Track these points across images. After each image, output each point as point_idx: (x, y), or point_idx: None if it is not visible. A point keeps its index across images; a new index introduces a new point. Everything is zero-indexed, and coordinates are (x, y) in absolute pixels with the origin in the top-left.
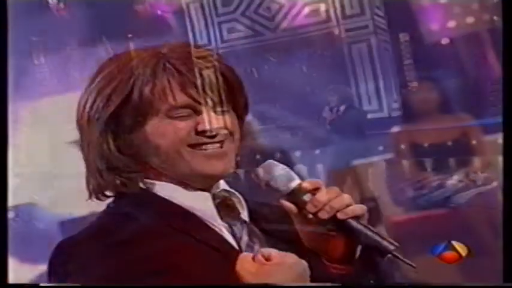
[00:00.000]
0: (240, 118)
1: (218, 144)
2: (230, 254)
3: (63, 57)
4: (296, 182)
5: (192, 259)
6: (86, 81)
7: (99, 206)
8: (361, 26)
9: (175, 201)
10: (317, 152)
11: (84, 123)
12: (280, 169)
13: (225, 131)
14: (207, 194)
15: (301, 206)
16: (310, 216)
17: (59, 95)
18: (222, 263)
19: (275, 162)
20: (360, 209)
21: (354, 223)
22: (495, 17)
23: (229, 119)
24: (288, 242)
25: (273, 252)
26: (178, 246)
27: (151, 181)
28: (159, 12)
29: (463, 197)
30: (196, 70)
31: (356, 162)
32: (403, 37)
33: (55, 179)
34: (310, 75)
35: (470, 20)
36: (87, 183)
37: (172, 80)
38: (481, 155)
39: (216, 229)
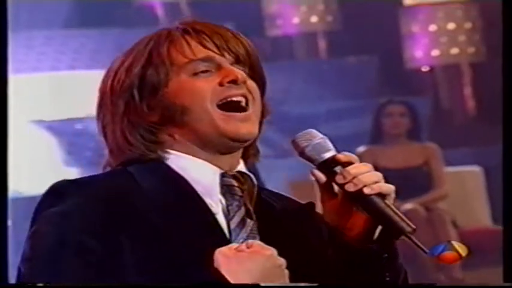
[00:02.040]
0: (260, 90)
1: (241, 97)
2: (214, 238)
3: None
4: (331, 152)
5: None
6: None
7: None
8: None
9: (182, 173)
10: (279, 161)
11: (107, 97)
12: (319, 138)
13: (248, 91)
14: (217, 171)
15: (330, 177)
16: (336, 188)
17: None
18: (204, 244)
19: (315, 131)
20: (386, 187)
21: (377, 199)
22: (479, 50)
23: (250, 82)
24: (276, 242)
25: (256, 242)
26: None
27: (169, 150)
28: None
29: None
30: (214, 30)
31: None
32: (383, 59)
33: None
34: (288, 86)
35: (454, 51)
36: (108, 157)
37: (190, 39)
38: (439, 186)
39: (209, 208)
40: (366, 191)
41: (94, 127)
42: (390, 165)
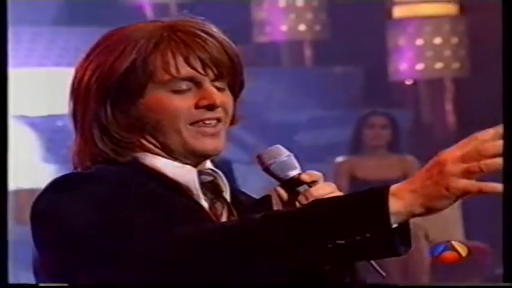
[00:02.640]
0: (235, 98)
1: (215, 121)
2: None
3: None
4: (296, 171)
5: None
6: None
7: None
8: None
9: (163, 171)
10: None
11: (81, 93)
12: (284, 156)
13: (223, 111)
14: (193, 169)
15: (294, 195)
16: (287, 200)
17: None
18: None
19: (282, 148)
20: None
21: None
22: (464, 65)
23: (226, 97)
24: None
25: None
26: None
27: (143, 152)
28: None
29: None
30: (200, 42)
31: None
32: (368, 71)
33: None
34: (271, 93)
35: (439, 65)
36: (74, 154)
37: (176, 52)
38: None
39: (197, 199)
40: None
41: None
42: (368, 176)
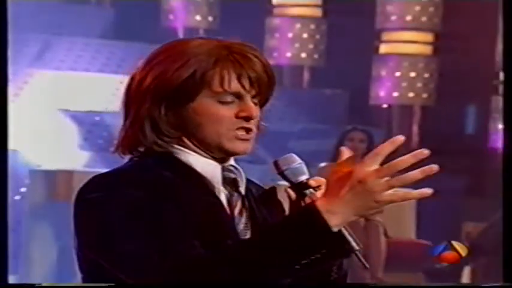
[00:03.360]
0: (261, 109)
1: (248, 130)
2: (223, 216)
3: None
4: (305, 176)
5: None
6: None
7: None
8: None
9: (193, 166)
10: (251, 166)
11: (140, 93)
12: (297, 163)
13: (255, 120)
14: (218, 166)
15: (300, 196)
16: (296, 200)
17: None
18: (214, 222)
19: (295, 156)
20: None
21: None
22: (431, 96)
23: (258, 111)
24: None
25: None
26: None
27: (179, 147)
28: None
29: None
30: (251, 64)
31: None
32: (353, 95)
33: None
34: (272, 107)
35: (411, 94)
36: (121, 141)
37: (231, 70)
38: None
39: (217, 194)
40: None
41: (109, 120)
42: None
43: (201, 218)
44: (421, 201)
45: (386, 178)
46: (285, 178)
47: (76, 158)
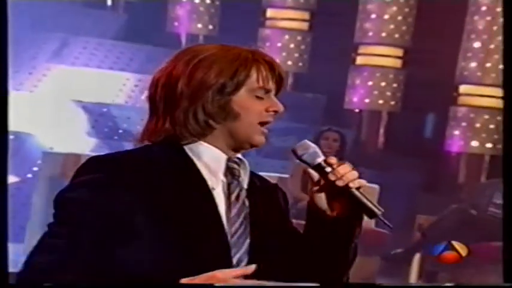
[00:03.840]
0: None
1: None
2: (208, 211)
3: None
4: (322, 157)
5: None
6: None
7: None
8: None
9: (195, 159)
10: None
11: (193, 85)
12: (312, 148)
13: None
14: (224, 158)
15: (322, 175)
16: (322, 182)
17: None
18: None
19: (308, 142)
20: (363, 182)
21: (357, 191)
22: (397, 104)
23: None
24: (259, 212)
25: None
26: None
27: (199, 142)
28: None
29: None
30: (275, 66)
31: None
32: (330, 99)
33: None
34: None
35: (380, 101)
36: (146, 130)
37: (265, 70)
38: None
39: (213, 187)
40: (351, 185)
41: (115, 112)
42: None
43: (182, 212)
44: (381, 195)
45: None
46: (305, 162)
47: (84, 143)
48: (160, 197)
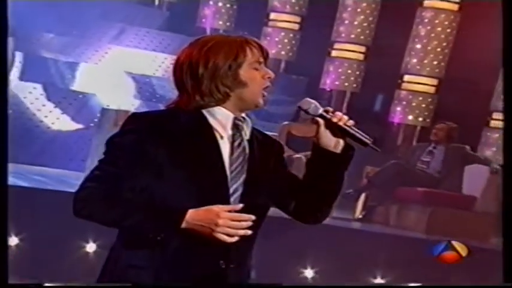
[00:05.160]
0: None
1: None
2: (215, 156)
3: None
4: (322, 109)
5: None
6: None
7: None
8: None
9: (211, 119)
10: None
11: (210, 67)
12: (313, 103)
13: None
14: (231, 116)
15: (326, 121)
16: (324, 125)
17: None
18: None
19: (309, 99)
20: (352, 121)
21: (352, 128)
22: (358, 84)
23: None
24: (255, 157)
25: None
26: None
27: (217, 106)
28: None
29: None
30: (263, 46)
31: None
32: (310, 81)
33: None
34: None
35: (347, 83)
36: (179, 99)
37: (255, 48)
38: None
39: (219, 141)
40: (348, 123)
41: (154, 82)
42: (298, 134)
43: (195, 154)
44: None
45: None
46: (310, 114)
47: (131, 103)
48: (179, 143)
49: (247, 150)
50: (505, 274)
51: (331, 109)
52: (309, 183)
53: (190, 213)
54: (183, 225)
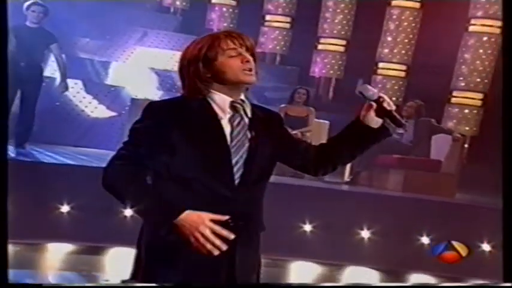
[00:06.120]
0: (255, 61)
1: (251, 68)
2: (219, 133)
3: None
4: (377, 95)
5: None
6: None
7: None
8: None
9: (212, 102)
10: None
11: (190, 61)
12: (370, 87)
13: (252, 64)
14: (229, 98)
15: (379, 105)
16: (375, 108)
17: None
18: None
19: (369, 86)
20: (394, 106)
21: (395, 112)
22: (342, 72)
23: (252, 61)
24: (256, 135)
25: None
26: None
27: (212, 90)
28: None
29: None
30: (242, 37)
31: None
32: (302, 70)
33: None
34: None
35: (331, 71)
36: (187, 91)
37: (230, 38)
38: (309, 125)
39: (222, 118)
40: (393, 108)
41: (173, 75)
42: (293, 114)
43: (202, 134)
44: (330, 127)
45: None
46: (368, 98)
47: (155, 94)
48: (189, 126)
49: (246, 128)
50: (505, 274)
51: (384, 96)
52: (340, 148)
53: (186, 213)
54: (176, 221)
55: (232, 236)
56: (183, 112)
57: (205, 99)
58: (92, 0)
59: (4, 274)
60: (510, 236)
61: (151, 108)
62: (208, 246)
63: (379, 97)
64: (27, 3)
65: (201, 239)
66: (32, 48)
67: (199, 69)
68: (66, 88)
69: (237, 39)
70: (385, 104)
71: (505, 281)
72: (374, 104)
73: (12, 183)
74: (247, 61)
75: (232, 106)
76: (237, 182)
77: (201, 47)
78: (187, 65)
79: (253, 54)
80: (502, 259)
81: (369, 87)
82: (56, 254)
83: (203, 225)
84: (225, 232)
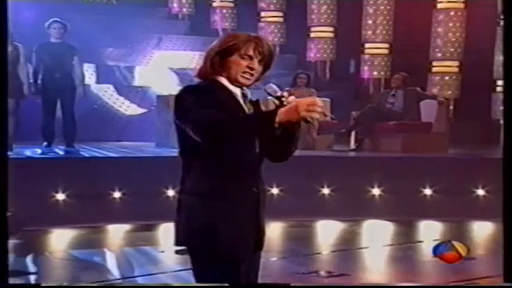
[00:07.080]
0: (263, 70)
1: (251, 74)
2: (237, 106)
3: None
4: (279, 93)
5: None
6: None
7: None
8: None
9: (228, 86)
10: None
11: (212, 52)
12: (274, 86)
13: (256, 71)
14: (238, 88)
15: (279, 102)
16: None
17: None
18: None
19: (273, 85)
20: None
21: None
22: (334, 56)
23: (259, 68)
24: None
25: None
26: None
27: (223, 78)
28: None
29: None
30: (265, 45)
31: None
32: (299, 56)
33: None
34: None
35: (324, 55)
36: (197, 73)
37: (250, 44)
38: None
39: (236, 98)
40: (293, 105)
41: (190, 73)
42: (297, 96)
43: (225, 104)
44: (331, 104)
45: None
46: (270, 95)
47: (176, 90)
48: (213, 96)
49: (249, 105)
50: (505, 274)
51: (286, 93)
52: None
53: (279, 112)
54: (277, 118)
55: (322, 104)
56: (205, 91)
57: (217, 81)
58: (109, 15)
59: (4, 274)
60: (510, 237)
61: (188, 89)
62: (315, 115)
63: (281, 95)
64: (48, 22)
65: (309, 108)
66: (62, 60)
67: (215, 57)
68: (84, 94)
69: (258, 48)
70: (285, 102)
71: (505, 281)
72: (276, 101)
73: (69, 178)
74: (252, 68)
75: (242, 94)
76: (257, 150)
77: (234, 43)
78: (214, 54)
79: (269, 59)
80: (502, 259)
81: (273, 86)
82: (114, 234)
83: (300, 103)
84: (318, 101)
